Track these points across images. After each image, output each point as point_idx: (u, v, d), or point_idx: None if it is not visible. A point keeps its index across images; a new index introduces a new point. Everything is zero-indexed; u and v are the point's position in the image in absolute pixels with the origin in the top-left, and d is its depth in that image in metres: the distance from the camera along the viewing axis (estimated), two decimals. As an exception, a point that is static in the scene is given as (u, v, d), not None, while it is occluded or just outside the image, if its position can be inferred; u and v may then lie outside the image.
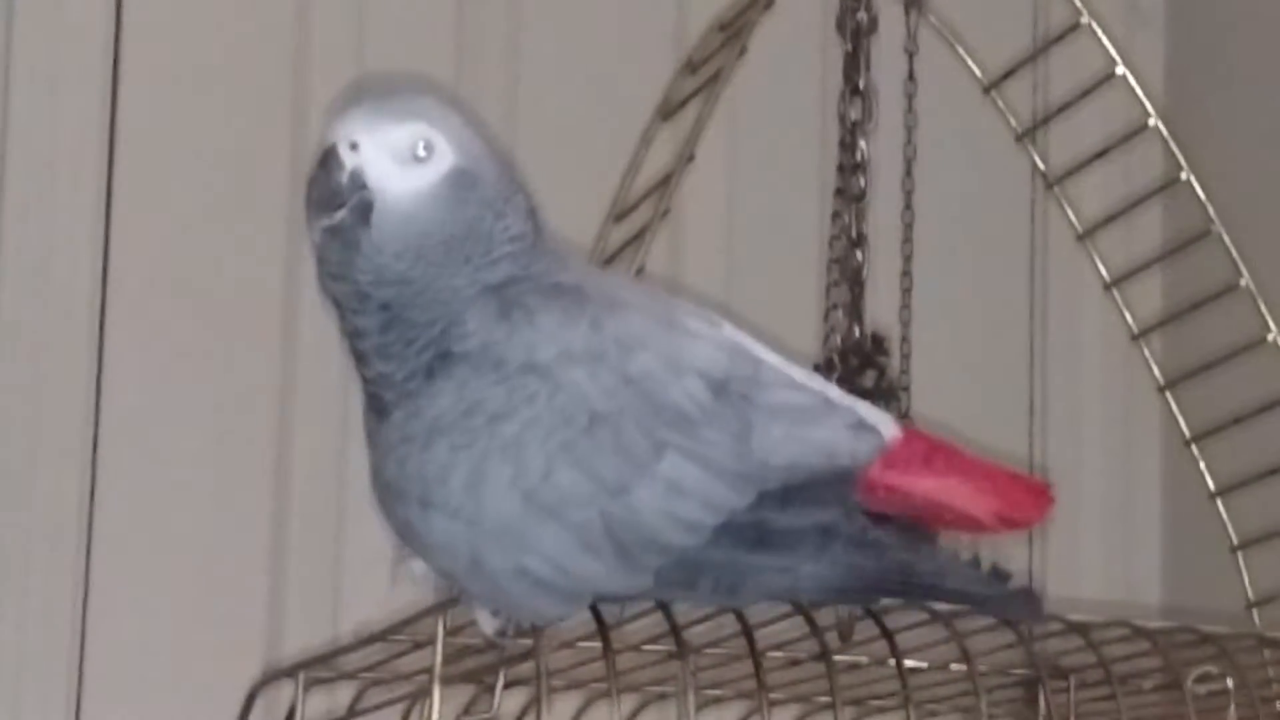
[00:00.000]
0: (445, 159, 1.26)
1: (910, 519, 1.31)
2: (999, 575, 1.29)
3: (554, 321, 1.25)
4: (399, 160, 1.25)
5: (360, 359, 1.28)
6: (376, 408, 1.29)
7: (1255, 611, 1.71)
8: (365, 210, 1.25)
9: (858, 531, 1.27)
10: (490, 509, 1.23)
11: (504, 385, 1.24)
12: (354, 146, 1.25)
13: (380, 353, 1.27)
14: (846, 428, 1.28)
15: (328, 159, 1.25)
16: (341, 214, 1.24)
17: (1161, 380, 1.78)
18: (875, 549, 1.27)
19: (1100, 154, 1.77)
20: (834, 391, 1.32)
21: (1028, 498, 1.33)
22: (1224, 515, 1.73)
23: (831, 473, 1.27)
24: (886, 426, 1.31)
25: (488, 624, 1.30)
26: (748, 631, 1.28)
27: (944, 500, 1.31)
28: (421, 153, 1.25)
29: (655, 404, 1.25)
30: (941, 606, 1.33)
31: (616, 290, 1.30)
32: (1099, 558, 2.52)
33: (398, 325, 1.26)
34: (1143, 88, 1.75)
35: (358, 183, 1.25)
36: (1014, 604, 1.30)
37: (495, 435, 1.23)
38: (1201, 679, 1.36)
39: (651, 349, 1.26)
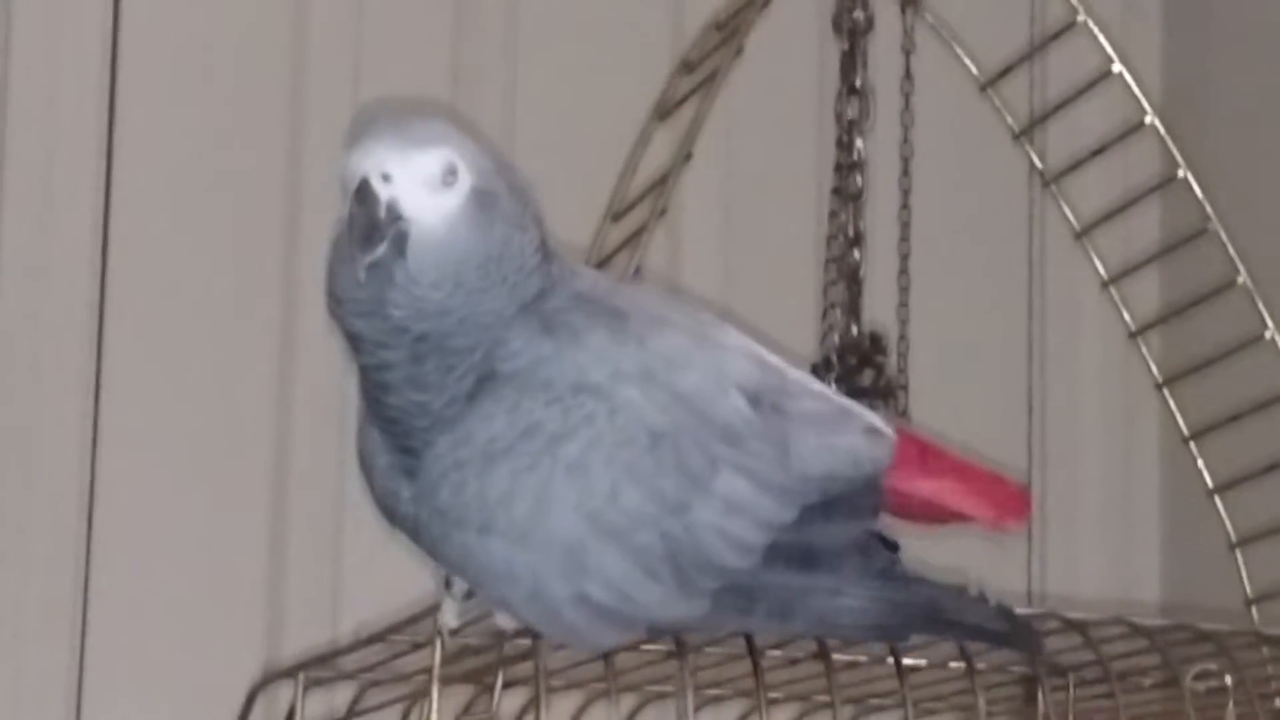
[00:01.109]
0: (465, 181, 1.24)
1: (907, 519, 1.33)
2: (1004, 611, 1.30)
3: (601, 341, 1.25)
4: (430, 188, 1.23)
5: (384, 389, 1.26)
6: (402, 435, 1.26)
7: (1254, 608, 1.72)
8: (401, 241, 1.22)
9: (885, 564, 1.28)
10: (555, 532, 1.23)
11: (558, 405, 1.23)
12: (386, 178, 1.22)
13: (413, 383, 1.25)
14: (864, 434, 1.29)
15: (363, 193, 1.22)
16: (382, 248, 1.22)
17: (1159, 377, 1.78)
18: (905, 583, 1.28)
19: (1097, 152, 1.77)
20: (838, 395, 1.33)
21: (1012, 497, 1.34)
22: (1222, 512, 1.73)
23: (861, 481, 1.29)
24: (886, 425, 1.32)
25: (450, 618, 1.30)
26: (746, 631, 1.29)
27: (942, 501, 1.33)
28: (449, 178, 1.23)
29: (707, 420, 1.25)
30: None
31: (646, 303, 1.29)
32: (1098, 555, 2.52)
33: (436, 354, 1.24)
34: (1140, 86, 1.75)
35: (394, 214, 1.22)
36: (1021, 642, 1.32)
37: (557, 457, 1.23)
38: (1200, 676, 1.36)
39: (697, 365, 1.26)
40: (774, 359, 1.30)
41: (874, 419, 1.30)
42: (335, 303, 1.25)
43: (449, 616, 1.30)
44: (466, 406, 1.24)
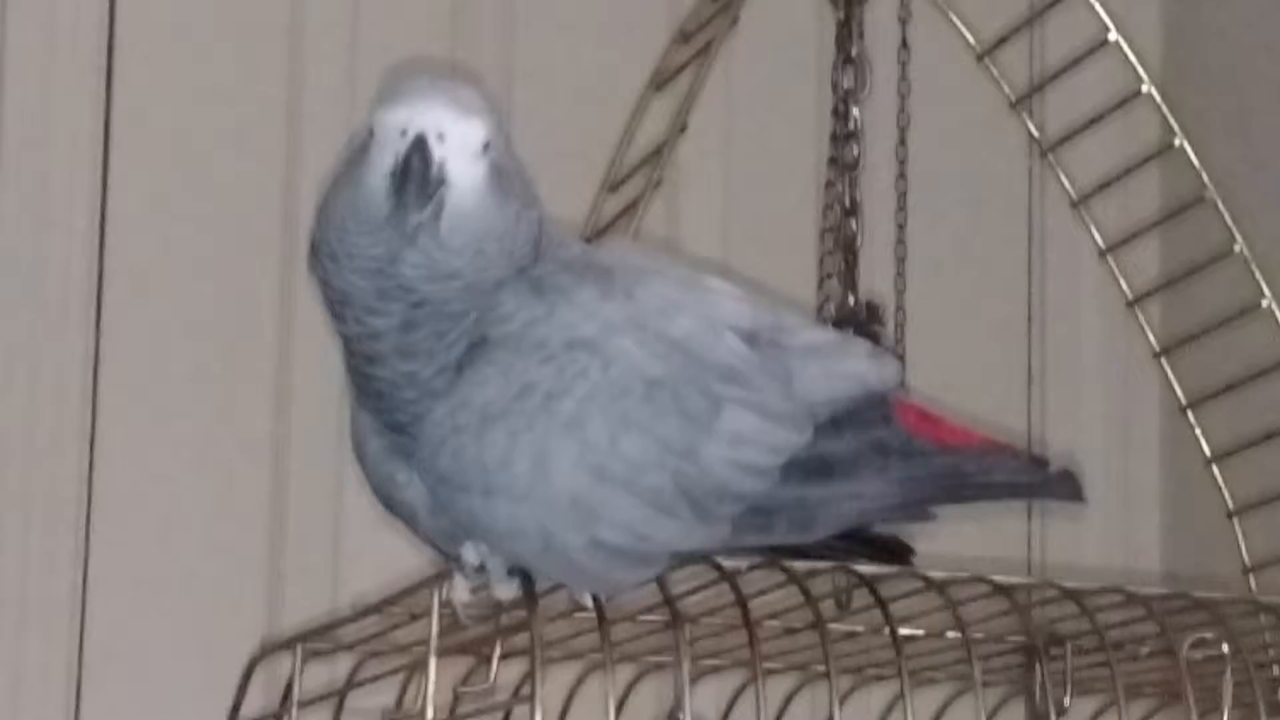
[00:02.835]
0: (490, 154, 1.24)
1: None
2: (1038, 461, 1.32)
3: (591, 296, 1.26)
4: (472, 156, 1.23)
5: (370, 360, 1.26)
6: (389, 410, 1.27)
7: (1252, 577, 1.72)
8: (440, 206, 1.22)
9: (903, 443, 1.30)
10: (559, 487, 1.23)
11: (552, 364, 1.24)
12: (441, 137, 1.22)
13: (402, 351, 1.25)
14: (868, 357, 1.32)
15: (424, 149, 1.21)
16: (428, 212, 1.22)
17: (1157, 347, 1.78)
18: (923, 457, 1.30)
19: (1093, 121, 1.77)
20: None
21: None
22: (1220, 481, 1.73)
23: (868, 398, 1.30)
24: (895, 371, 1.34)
25: (461, 592, 1.30)
26: (742, 601, 1.29)
27: None
28: (486, 150, 1.24)
29: (704, 363, 1.26)
30: (935, 573, 1.34)
31: (631, 259, 1.31)
32: (1098, 525, 2.52)
33: (429, 321, 1.24)
34: (1140, 54, 1.74)
35: (441, 177, 1.22)
36: (1059, 488, 1.34)
37: (554, 414, 1.23)
38: (1197, 644, 1.36)
39: (686, 311, 1.27)
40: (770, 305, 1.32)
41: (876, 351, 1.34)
42: (330, 258, 1.25)
43: (461, 592, 1.30)
44: (458, 374, 1.25)
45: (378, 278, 1.24)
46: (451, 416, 1.24)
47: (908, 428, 1.31)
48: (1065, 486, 1.34)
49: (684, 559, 1.29)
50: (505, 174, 1.25)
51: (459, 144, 1.22)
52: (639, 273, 1.28)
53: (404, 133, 1.22)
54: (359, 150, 1.24)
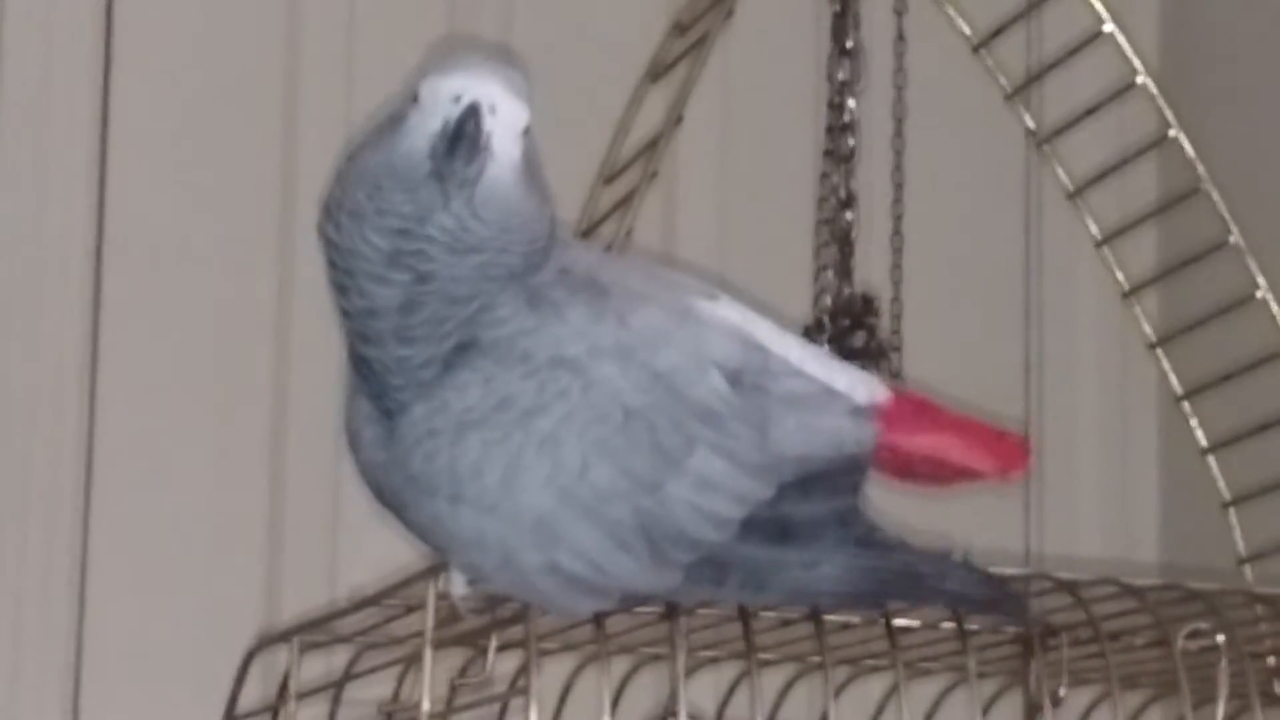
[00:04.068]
0: (527, 140, 1.25)
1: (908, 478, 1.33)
2: (988, 577, 1.30)
3: (581, 316, 1.25)
4: (514, 135, 1.23)
5: (366, 340, 1.26)
6: (375, 392, 1.26)
7: (1247, 567, 1.72)
8: (480, 174, 1.22)
9: (865, 532, 1.28)
10: (525, 505, 1.23)
11: (534, 379, 1.23)
12: (493, 110, 1.22)
13: (399, 335, 1.24)
14: (848, 415, 1.29)
15: (478, 115, 1.21)
16: (470, 172, 1.21)
17: (1152, 337, 1.78)
18: (883, 549, 1.28)
19: (1088, 112, 1.77)
20: (825, 368, 1.31)
21: (1011, 449, 1.34)
22: (1216, 471, 1.74)
23: (841, 461, 1.28)
24: (877, 389, 1.31)
25: (458, 586, 1.30)
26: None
27: (941, 455, 1.32)
28: (525, 133, 1.24)
29: (684, 399, 1.25)
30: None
31: (629, 280, 1.29)
32: (1096, 516, 2.52)
33: (431, 303, 1.24)
34: (1137, 45, 1.75)
35: (489, 146, 1.22)
36: (1007, 608, 1.32)
37: (530, 430, 1.23)
38: (1192, 635, 1.36)
39: (675, 344, 1.25)
40: (764, 331, 1.29)
41: (860, 400, 1.29)
42: (352, 215, 1.24)
43: (457, 585, 1.30)
44: (443, 373, 1.24)
45: (400, 238, 1.23)
46: (429, 419, 1.24)
47: (883, 454, 1.30)
48: (1013, 608, 1.32)
49: (635, 600, 1.29)
50: (533, 164, 1.25)
51: (507, 121, 1.23)
52: (635, 297, 1.27)
53: (458, 99, 1.22)
54: (397, 115, 1.24)
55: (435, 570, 1.31)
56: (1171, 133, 1.72)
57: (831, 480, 1.28)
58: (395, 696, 1.52)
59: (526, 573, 1.24)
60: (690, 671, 1.43)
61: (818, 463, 1.27)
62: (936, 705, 1.58)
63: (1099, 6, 1.73)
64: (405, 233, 1.23)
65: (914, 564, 1.28)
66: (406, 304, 1.24)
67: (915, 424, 1.31)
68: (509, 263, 1.25)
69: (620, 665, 1.61)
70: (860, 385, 1.31)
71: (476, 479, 1.22)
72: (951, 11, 1.80)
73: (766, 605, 1.34)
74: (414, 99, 1.24)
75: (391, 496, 1.28)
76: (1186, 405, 1.75)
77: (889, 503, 1.33)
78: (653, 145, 1.66)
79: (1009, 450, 1.33)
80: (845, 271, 1.75)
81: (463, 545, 1.25)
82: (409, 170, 1.23)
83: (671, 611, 1.31)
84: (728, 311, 1.30)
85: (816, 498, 1.27)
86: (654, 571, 1.25)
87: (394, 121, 1.25)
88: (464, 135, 1.21)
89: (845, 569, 1.27)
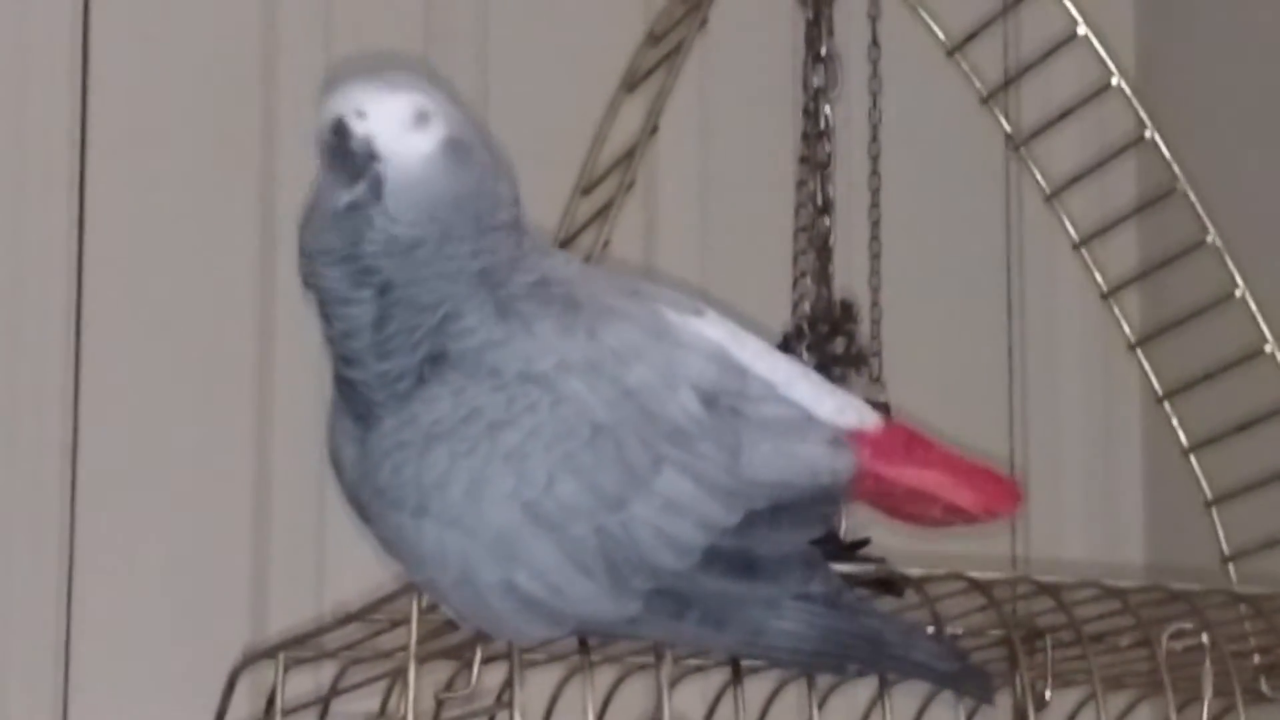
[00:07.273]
0: (440, 129, 1.25)
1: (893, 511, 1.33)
2: (956, 652, 1.30)
3: (551, 330, 1.24)
4: (404, 127, 1.24)
5: (350, 362, 1.27)
6: (360, 412, 1.27)
7: (1230, 566, 1.72)
8: (378, 185, 1.24)
9: (833, 592, 1.27)
10: (489, 519, 1.22)
11: (503, 393, 1.23)
12: (361, 114, 1.23)
13: (377, 350, 1.25)
14: (826, 444, 1.28)
15: (340, 129, 1.23)
16: (361, 188, 1.23)
17: (1132, 338, 1.78)
18: (849, 612, 1.27)
19: (1063, 115, 1.77)
20: (813, 393, 1.30)
21: (1002, 490, 1.33)
22: (1198, 471, 1.74)
23: (814, 492, 1.27)
24: (866, 417, 1.31)
25: None
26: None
27: (929, 490, 1.31)
28: (422, 121, 1.24)
29: (653, 417, 1.24)
30: (913, 570, 1.34)
31: (605, 294, 1.28)
32: (1080, 518, 2.52)
33: (400, 313, 1.25)
34: (1112, 48, 1.75)
35: (370, 152, 1.23)
36: (971, 683, 1.31)
37: (497, 443, 1.22)
38: (1176, 636, 1.37)
39: (647, 360, 1.25)
40: (749, 351, 1.29)
41: (844, 426, 1.29)
42: (308, 260, 1.26)
43: None
44: (415, 385, 1.25)
45: (346, 264, 1.25)
46: (398, 431, 1.24)
47: (870, 484, 1.29)
48: (977, 684, 1.31)
49: (591, 631, 1.28)
50: (462, 148, 1.26)
51: (385, 118, 1.24)
52: (608, 312, 1.26)
53: (328, 119, 1.24)
54: None
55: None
56: (1148, 134, 1.72)
57: (801, 511, 1.27)
58: (381, 711, 1.52)
59: (483, 591, 1.23)
60: (676, 681, 1.44)
61: (790, 490, 1.26)
62: (922, 710, 1.58)
63: (1073, 9, 1.73)
64: (347, 259, 1.25)
65: (880, 631, 1.27)
66: (378, 319, 1.25)
67: (903, 456, 1.30)
68: (459, 252, 1.25)
69: (606, 676, 1.61)
70: (848, 412, 1.30)
71: (442, 491, 1.22)
72: (925, 16, 1.80)
73: (725, 652, 1.32)
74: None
75: (364, 512, 1.28)
76: (1168, 405, 1.75)
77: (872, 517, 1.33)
78: (629, 155, 1.66)
79: (999, 490, 1.33)
80: (824, 278, 1.74)
81: (422, 560, 1.24)
82: (325, 207, 1.25)
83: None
84: (711, 329, 1.29)
85: (784, 528, 1.26)
86: (612, 599, 1.24)
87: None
88: (327, 155, 1.24)
89: (809, 626, 1.25)
